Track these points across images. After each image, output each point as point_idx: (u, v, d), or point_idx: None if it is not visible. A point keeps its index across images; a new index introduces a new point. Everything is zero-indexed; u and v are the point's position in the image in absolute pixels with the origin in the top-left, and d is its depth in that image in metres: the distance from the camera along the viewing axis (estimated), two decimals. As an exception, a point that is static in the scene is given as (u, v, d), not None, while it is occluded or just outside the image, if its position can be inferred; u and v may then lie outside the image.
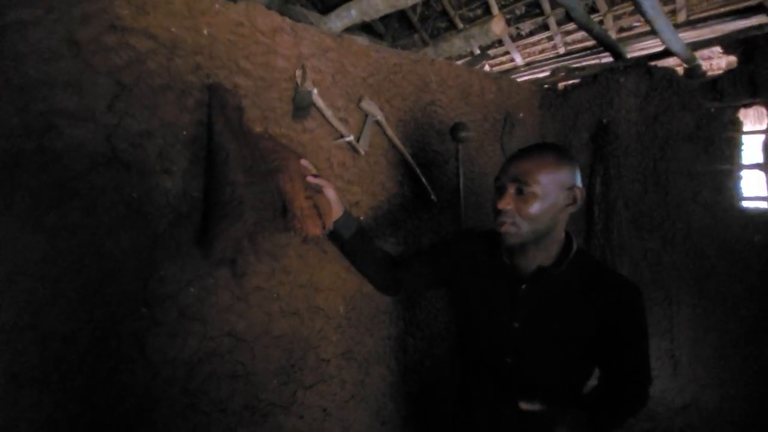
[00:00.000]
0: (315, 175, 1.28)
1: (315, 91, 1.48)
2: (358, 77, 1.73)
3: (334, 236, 1.31)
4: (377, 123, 1.77)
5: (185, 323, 1.22)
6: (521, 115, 2.75)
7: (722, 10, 2.42)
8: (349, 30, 1.76)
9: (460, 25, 3.06)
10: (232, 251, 1.15)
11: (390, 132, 1.82)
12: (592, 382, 1.02)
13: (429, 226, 2.08)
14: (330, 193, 1.26)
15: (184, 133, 1.21)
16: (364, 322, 1.76)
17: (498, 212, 0.95)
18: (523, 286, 0.98)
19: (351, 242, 1.29)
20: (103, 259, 1.06)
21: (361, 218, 1.74)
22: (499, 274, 1.03)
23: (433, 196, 2.03)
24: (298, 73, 1.47)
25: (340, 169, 1.67)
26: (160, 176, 1.17)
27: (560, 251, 0.98)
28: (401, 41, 2.60)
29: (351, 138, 1.64)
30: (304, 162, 1.33)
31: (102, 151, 1.06)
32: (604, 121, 2.80)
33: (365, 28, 3.37)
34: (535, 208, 0.91)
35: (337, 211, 1.28)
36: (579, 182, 0.97)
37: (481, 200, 2.41)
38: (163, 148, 1.17)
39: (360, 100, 1.71)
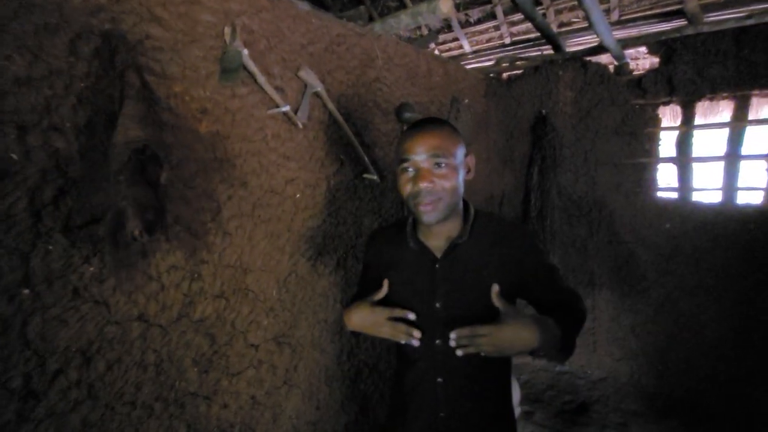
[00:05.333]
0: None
1: (246, 52, 1.34)
2: (297, 44, 1.61)
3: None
4: (317, 95, 1.67)
5: (81, 306, 1.06)
6: (466, 101, 2.78)
7: (648, 12, 2.60)
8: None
9: (410, 5, 3.00)
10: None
11: (331, 106, 1.72)
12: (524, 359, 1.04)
13: (370, 207, 2.03)
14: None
15: (81, 84, 1.03)
16: (298, 305, 1.68)
17: (416, 193, 0.91)
18: (437, 266, 0.98)
19: None
20: (-33, 230, 0.88)
21: (297, 195, 1.64)
22: (412, 260, 1.02)
23: (375, 177, 1.98)
24: (227, 30, 1.32)
25: (275, 142, 1.56)
26: (48, 134, 0.99)
27: (463, 220, 1.00)
28: (347, 12, 2.49)
29: (287, 108, 1.52)
30: None
31: (-36, 97, 0.87)
32: (544, 112, 2.92)
33: (312, -1, 3.18)
34: (455, 180, 0.91)
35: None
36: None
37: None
38: (51, 101, 0.99)
39: (298, 68, 1.59)
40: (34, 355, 0.97)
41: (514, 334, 0.80)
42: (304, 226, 1.68)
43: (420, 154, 0.90)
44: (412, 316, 0.93)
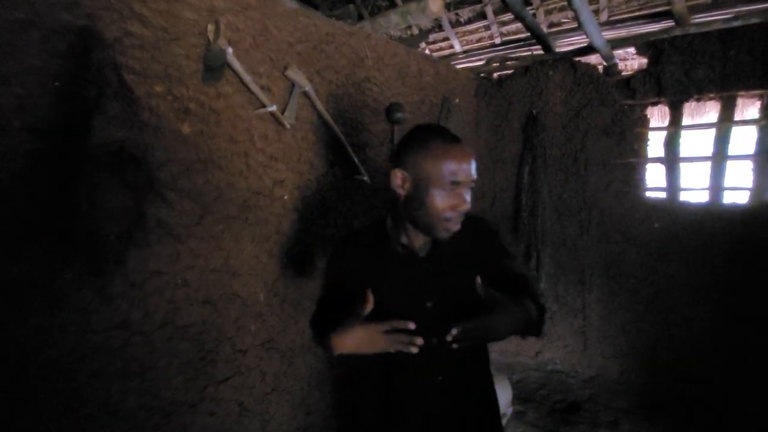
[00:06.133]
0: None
1: (230, 50, 1.30)
2: (284, 42, 1.58)
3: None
4: (305, 95, 1.64)
5: (59, 315, 1.02)
6: (457, 101, 2.77)
7: (637, 13, 2.62)
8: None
9: (401, 5, 2.98)
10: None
11: (320, 106, 1.69)
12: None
13: (361, 208, 2.00)
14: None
15: (56, 83, 0.99)
16: (287, 309, 1.65)
17: (459, 212, 0.90)
18: (425, 265, 0.98)
19: None
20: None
21: (285, 197, 1.61)
22: (398, 264, 1.00)
23: (366, 178, 1.95)
24: (210, 28, 1.29)
25: (262, 143, 1.52)
26: (21, 134, 0.94)
27: None
28: (336, 11, 2.46)
29: (274, 108, 1.49)
30: None
31: (-72, 96, 0.82)
32: (534, 111, 2.92)
33: (301, -3, 3.13)
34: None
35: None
36: None
37: (415, 184, 2.38)
38: (24, 100, 0.95)
39: (286, 67, 1.56)
40: (7, 365, 0.93)
41: (506, 319, 0.85)
42: (293, 228, 1.65)
43: (472, 174, 0.90)
44: (412, 325, 0.89)
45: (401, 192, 0.92)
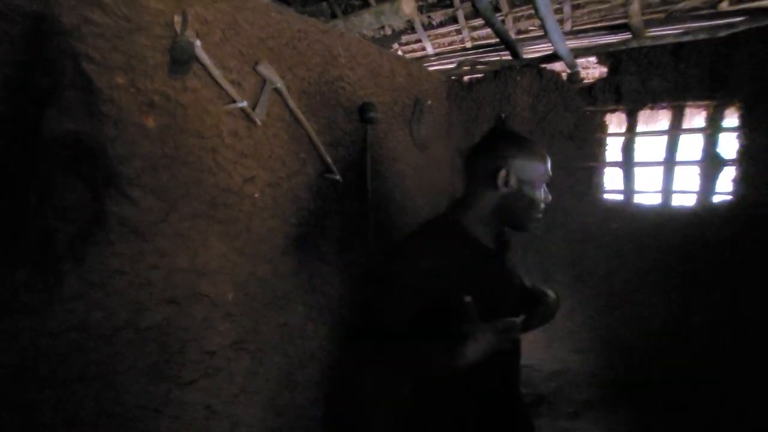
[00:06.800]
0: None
1: (198, 43, 1.27)
2: (255, 37, 1.55)
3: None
4: (277, 91, 1.62)
5: (10, 317, 0.95)
6: (429, 102, 2.81)
7: (598, 24, 2.76)
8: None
9: (374, 5, 2.99)
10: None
11: (292, 103, 1.68)
12: None
13: (334, 207, 1.99)
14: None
15: (6, 71, 0.93)
16: (257, 308, 1.62)
17: (545, 207, 1.01)
18: (505, 262, 1.07)
19: None
20: None
21: (256, 195, 1.58)
22: (487, 261, 1.01)
23: (338, 177, 1.95)
24: (177, 19, 1.25)
25: (231, 139, 1.49)
26: (-34, 125, 0.88)
27: None
28: (309, 8, 2.44)
29: (245, 104, 1.46)
30: None
31: None
32: (503, 115, 3.01)
33: (273, -7, 3.08)
34: None
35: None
36: None
37: (388, 184, 2.40)
38: (-31, 88, 0.88)
39: (257, 63, 1.54)
40: (-51, 373, 0.87)
41: (557, 304, 1.08)
42: (263, 226, 1.63)
43: (550, 171, 1.01)
44: (519, 319, 0.88)
45: (504, 190, 0.96)
